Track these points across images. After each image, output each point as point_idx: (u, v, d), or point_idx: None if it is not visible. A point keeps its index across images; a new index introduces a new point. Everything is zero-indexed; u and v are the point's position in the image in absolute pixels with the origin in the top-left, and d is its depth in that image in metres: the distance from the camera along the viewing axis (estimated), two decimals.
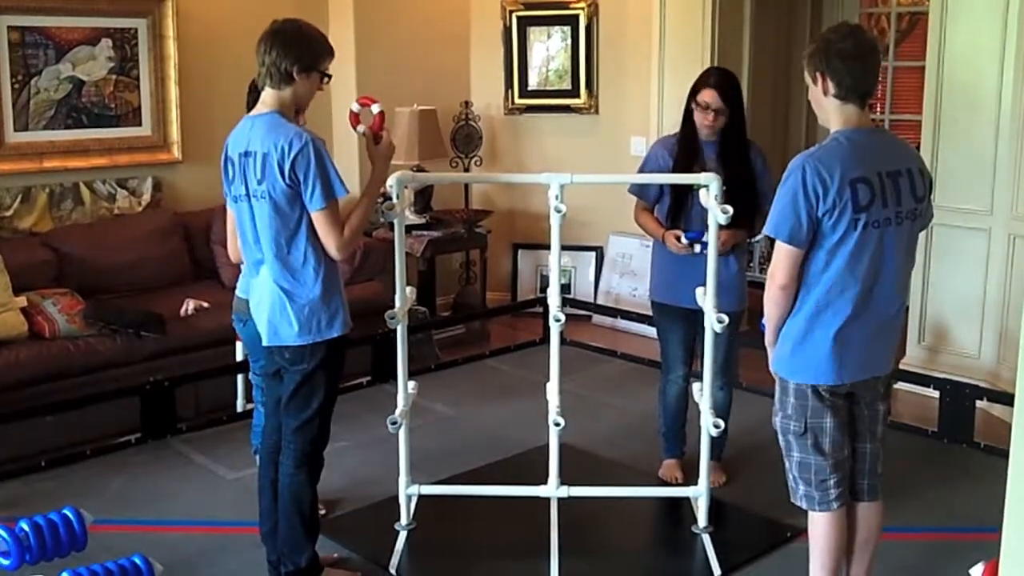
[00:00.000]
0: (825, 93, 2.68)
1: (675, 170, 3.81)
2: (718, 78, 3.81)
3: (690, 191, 3.76)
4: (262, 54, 2.99)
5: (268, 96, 3.03)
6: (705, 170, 3.65)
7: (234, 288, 3.68)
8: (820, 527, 2.85)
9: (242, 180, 3.01)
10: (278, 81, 2.99)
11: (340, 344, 3.09)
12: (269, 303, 3.05)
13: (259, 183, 2.95)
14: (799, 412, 2.76)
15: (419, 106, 6.02)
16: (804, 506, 2.86)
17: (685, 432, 4.12)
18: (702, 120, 3.77)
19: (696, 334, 3.87)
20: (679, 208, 3.83)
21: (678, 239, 3.78)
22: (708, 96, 3.75)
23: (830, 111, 2.70)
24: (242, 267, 3.34)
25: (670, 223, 3.86)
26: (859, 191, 2.60)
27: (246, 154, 2.99)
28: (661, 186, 3.89)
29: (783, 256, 2.67)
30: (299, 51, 2.98)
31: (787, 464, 2.86)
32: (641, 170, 3.99)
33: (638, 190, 3.97)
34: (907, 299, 2.88)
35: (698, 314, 3.63)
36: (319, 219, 2.95)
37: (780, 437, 2.85)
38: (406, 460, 3.68)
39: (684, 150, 3.84)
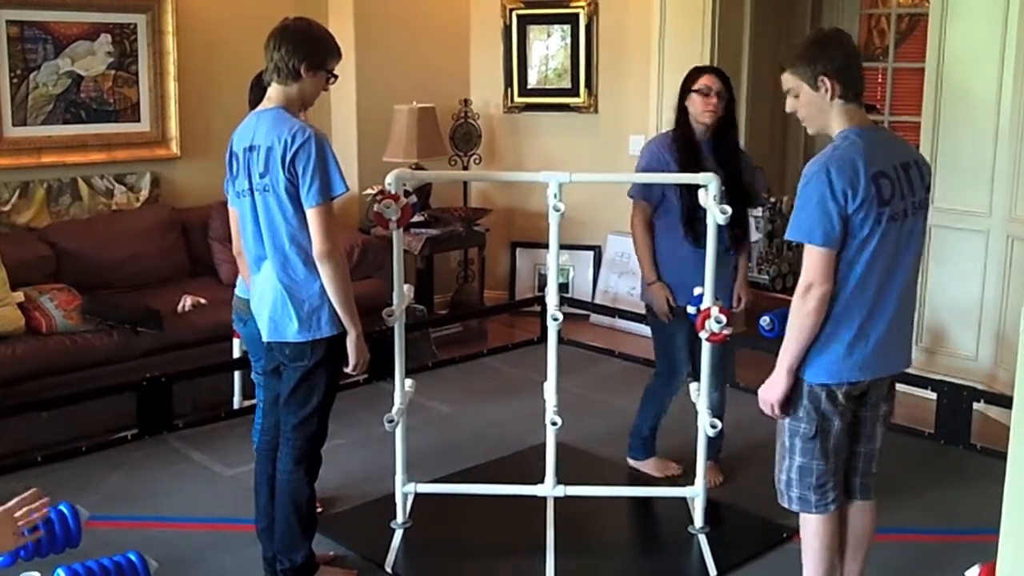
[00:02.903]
0: (832, 96, 2.67)
1: (681, 172, 3.78)
2: (712, 68, 3.93)
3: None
4: (271, 50, 3.00)
5: (274, 92, 3.04)
6: (704, 170, 3.64)
7: (232, 285, 3.67)
8: (812, 528, 2.84)
9: (246, 174, 3.02)
10: (285, 77, 3.00)
11: (340, 342, 3.09)
12: (271, 299, 3.05)
13: (262, 176, 2.96)
14: (811, 414, 2.73)
15: (418, 104, 6.01)
16: (797, 509, 2.83)
17: None
18: (704, 106, 3.77)
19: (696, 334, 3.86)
20: (691, 214, 3.78)
21: (669, 300, 3.87)
22: (708, 80, 3.79)
23: (833, 114, 2.69)
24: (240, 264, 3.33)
25: (684, 228, 3.82)
26: (882, 185, 2.60)
27: (250, 148, 3.00)
28: (662, 187, 3.86)
29: (819, 261, 2.60)
30: (307, 49, 3.00)
31: (784, 465, 2.82)
32: (642, 171, 3.94)
33: (641, 192, 3.91)
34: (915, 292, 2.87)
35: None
36: (312, 215, 2.95)
37: (786, 438, 2.80)
38: (403, 458, 3.68)
39: (685, 152, 3.82)
